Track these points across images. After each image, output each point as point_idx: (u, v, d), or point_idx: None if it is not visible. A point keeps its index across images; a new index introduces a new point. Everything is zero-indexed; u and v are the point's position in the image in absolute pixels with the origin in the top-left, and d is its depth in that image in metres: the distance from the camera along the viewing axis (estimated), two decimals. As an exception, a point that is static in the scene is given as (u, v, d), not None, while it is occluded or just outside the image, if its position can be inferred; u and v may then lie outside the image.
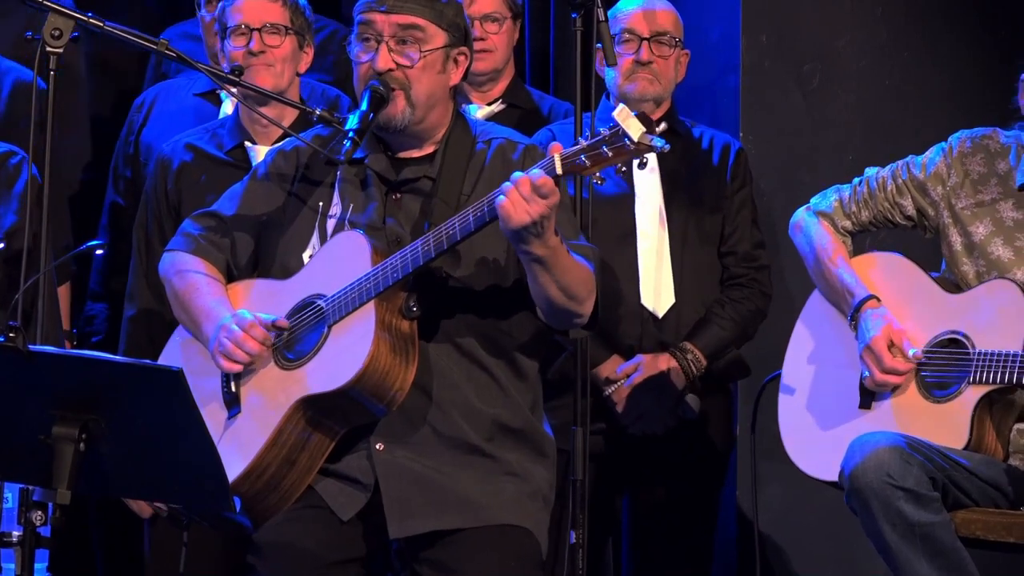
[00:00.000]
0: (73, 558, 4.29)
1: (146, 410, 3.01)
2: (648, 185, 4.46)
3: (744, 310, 4.45)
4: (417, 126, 3.49)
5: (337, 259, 3.45)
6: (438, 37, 3.46)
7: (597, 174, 3.24)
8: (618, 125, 3.16)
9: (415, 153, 3.54)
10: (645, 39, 4.39)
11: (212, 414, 3.46)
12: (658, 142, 3.16)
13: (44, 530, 3.24)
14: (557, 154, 3.23)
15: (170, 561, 4.10)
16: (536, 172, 3.21)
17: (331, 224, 3.52)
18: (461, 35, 3.51)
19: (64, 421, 3.00)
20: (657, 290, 4.40)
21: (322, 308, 3.43)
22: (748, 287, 4.48)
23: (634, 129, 3.14)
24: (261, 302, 3.51)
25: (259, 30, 4.11)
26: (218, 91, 4.54)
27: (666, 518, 4.47)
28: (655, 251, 4.40)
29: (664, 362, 4.36)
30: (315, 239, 3.53)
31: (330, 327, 3.41)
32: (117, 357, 3.17)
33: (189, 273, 3.57)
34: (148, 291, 4.18)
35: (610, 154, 3.18)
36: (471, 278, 3.45)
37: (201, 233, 3.62)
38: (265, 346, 3.43)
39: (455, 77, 3.52)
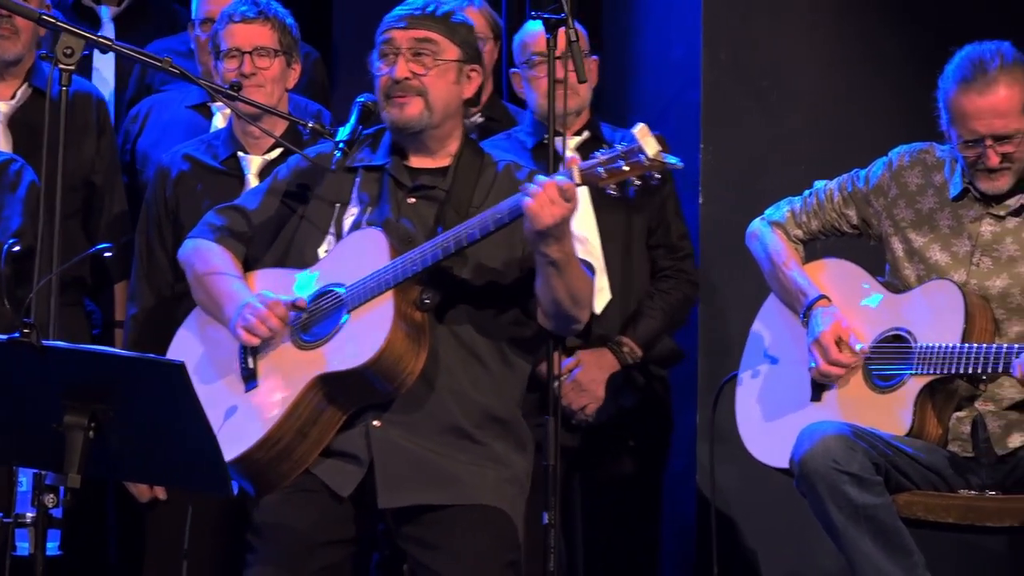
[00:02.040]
0: (84, 538, 4.32)
1: (151, 400, 3.11)
2: (578, 191, 4.62)
3: (672, 299, 4.55)
4: (434, 130, 3.63)
5: (355, 253, 3.58)
6: (451, 51, 3.64)
7: (612, 185, 3.37)
8: (636, 141, 3.30)
9: (429, 163, 3.68)
10: (557, 58, 4.45)
11: (231, 385, 3.58)
12: (671, 159, 3.31)
13: (56, 512, 3.29)
14: (575, 165, 3.38)
15: (171, 541, 4.20)
16: (561, 177, 3.37)
17: (347, 223, 3.66)
18: (474, 53, 3.68)
19: (74, 410, 3.09)
20: (595, 288, 4.52)
21: (341, 295, 3.55)
22: (674, 277, 4.58)
23: (651, 147, 3.29)
24: (277, 289, 3.62)
25: (250, 53, 4.21)
26: (209, 104, 4.64)
27: (613, 499, 4.58)
28: (590, 252, 4.46)
29: (602, 355, 4.47)
30: (331, 236, 3.66)
31: (350, 312, 3.53)
32: (124, 351, 3.29)
33: (211, 259, 3.70)
34: (149, 291, 4.29)
35: (626, 168, 3.33)
36: (475, 278, 3.59)
37: (224, 224, 3.75)
38: (285, 324, 3.55)
39: (468, 91, 3.67)
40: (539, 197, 3.36)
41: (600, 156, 3.36)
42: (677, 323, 4.65)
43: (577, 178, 3.36)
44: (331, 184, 3.72)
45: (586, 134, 4.56)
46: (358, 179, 3.70)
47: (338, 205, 3.69)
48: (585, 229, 4.51)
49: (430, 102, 3.61)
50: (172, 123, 4.72)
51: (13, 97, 4.45)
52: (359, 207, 3.67)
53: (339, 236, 3.66)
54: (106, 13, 5.30)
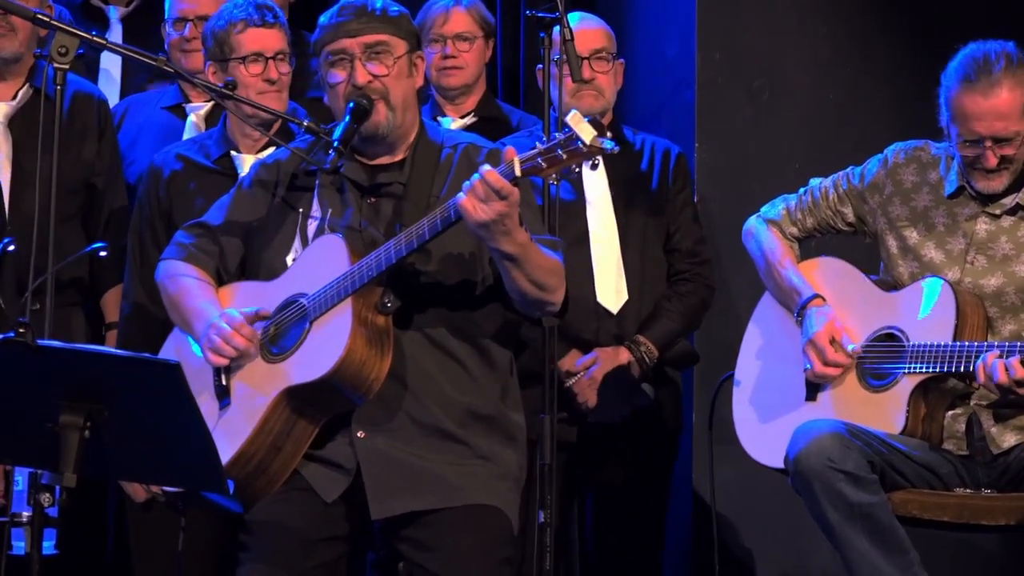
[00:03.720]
0: (80, 537, 4.31)
1: (146, 400, 3.11)
2: (598, 191, 4.59)
3: (690, 303, 4.58)
4: (397, 131, 3.63)
5: (318, 260, 3.57)
6: (400, 46, 3.63)
7: (553, 176, 3.36)
8: (571, 129, 3.28)
9: (387, 160, 3.67)
10: (585, 58, 4.49)
11: (205, 405, 3.55)
12: (608, 144, 3.28)
13: (52, 511, 3.27)
14: (516, 157, 3.35)
15: (162, 543, 4.21)
16: (487, 169, 3.34)
17: (312, 229, 3.65)
18: (415, 40, 3.69)
19: (70, 410, 3.09)
20: (611, 288, 4.53)
21: (304, 305, 3.54)
22: (692, 281, 4.60)
23: (586, 133, 3.26)
24: (248, 302, 3.62)
25: (272, 58, 4.23)
26: (184, 105, 4.68)
27: (624, 497, 4.59)
28: (607, 252, 4.53)
29: (619, 354, 4.50)
30: (297, 243, 3.65)
31: (311, 322, 3.53)
32: (119, 351, 3.26)
33: (181, 278, 3.70)
34: (142, 290, 4.26)
35: (564, 156, 3.29)
36: (442, 274, 3.57)
37: (192, 242, 3.75)
38: (252, 342, 3.55)
39: (419, 79, 3.68)
40: (470, 194, 3.35)
41: (539, 147, 3.33)
42: (694, 326, 4.69)
43: (518, 171, 3.34)
44: (293, 191, 3.72)
45: (608, 135, 4.56)
46: (318, 181, 3.70)
47: (301, 210, 3.69)
48: (604, 231, 4.54)
49: (392, 103, 3.62)
50: (147, 124, 4.73)
51: (14, 98, 4.44)
52: (320, 212, 3.67)
53: (305, 243, 3.65)
54: (114, 13, 5.32)
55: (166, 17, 4.83)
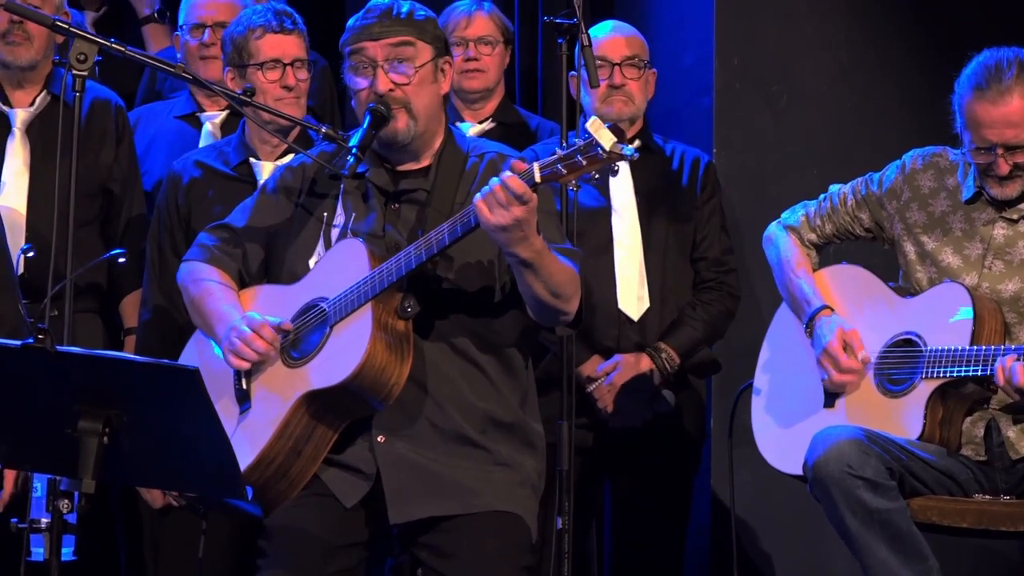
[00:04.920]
0: (98, 544, 4.31)
1: (165, 406, 3.11)
2: (624, 198, 4.61)
3: (714, 311, 4.60)
4: (419, 139, 3.62)
5: (339, 265, 3.56)
6: (425, 51, 3.61)
7: (573, 181, 3.35)
8: (591, 136, 3.26)
9: (412, 166, 3.67)
10: (616, 64, 4.55)
11: (225, 409, 3.56)
12: (628, 150, 3.25)
13: (70, 517, 3.33)
14: (535, 163, 3.33)
15: (183, 548, 4.22)
16: (508, 174, 3.32)
17: (335, 233, 3.64)
18: (443, 45, 3.66)
19: (89, 416, 3.09)
20: (633, 295, 4.55)
21: (324, 310, 3.54)
22: (717, 290, 4.62)
23: (606, 139, 3.24)
24: (269, 305, 3.63)
25: (290, 65, 4.25)
26: (198, 114, 4.69)
27: (644, 503, 4.61)
28: (631, 259, 4.55)
29: (641, 361, 4.52)
30: (320, 247, 3.64)
31: (331, 327, 3.52)
32: (138, 357, 3.26)
33: (204, 281, 3.70)
34: (161, 297, 4.29)
35: (584, 162, 3.27)
36: (463, 280, 3.56)
37: (215, 244, 3.75)
38: (273, 346, 3.55)
39: (445, 85, 3.66)
40: (487, 198, 3.34)
41: (559, 152, 3.32)
42: (717, 335, 4.70)
43: (537, 176, 3.33)
44: (316, 195, 3.71)
45: (637, 142, 4.58)
46: (343, 186, 3.69)
47: (325, 215, 3.68)
48: (628, 237, 4.56)
49: (414, 112, 3.60)
50: (160, 133, 4.75)
51: (32, 104, 4.46)
52: (344, 217, 3.66)
53: (328, 247, 3.65)
54: (85, 20, 5.34)
55: (182, 23, 4.84)
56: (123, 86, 4.99)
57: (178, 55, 4.86)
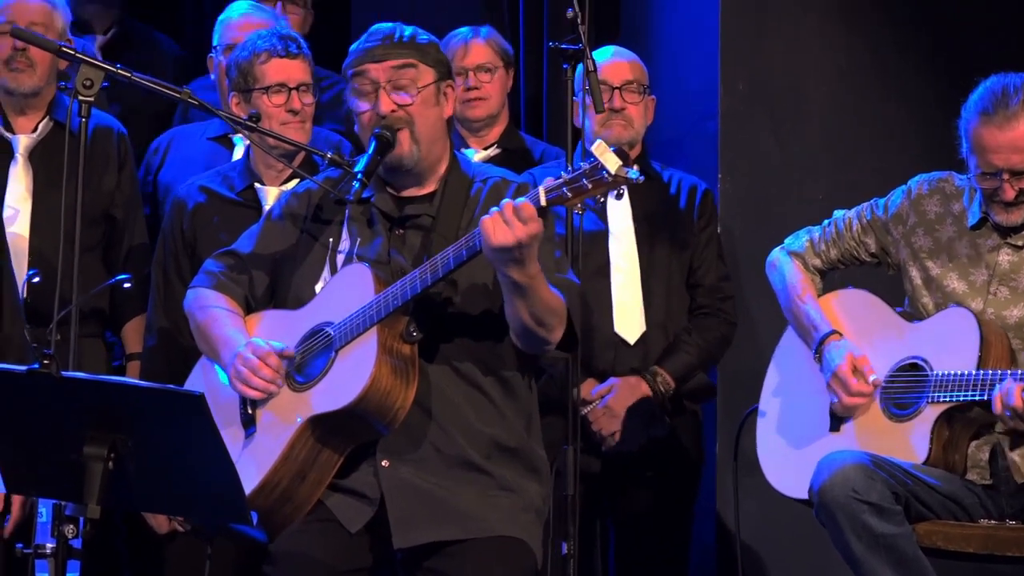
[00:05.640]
0: (102, 569, 4.31)
1: (170, 431, 3.11)
2: (622, 223, 4.62)
3: (710, 337, 4.62)
4: (423, 163, 3.63)
5: (344, 290, 3.58)
6: (427, 74, 3.62)
7: (578, 205, 3.37)
8: (596, 159, 3.27)
9: (417, 192, 3.68)
10: (617, 88, 4.56)
11: (231, 433, 3.56)
12: (633, 174, 3.27)
13: (76, 542, 3.30)
14: (541, 187, 3.34)
15: (188, 573, 4.20)
16: (521, 200, 3.33)
17: (340, 258, 3.65)
18: (445, 69, 3.68)
19: (94, 441, 3.09)
20: (629, 319, 4.56)
21: (330, 335, 3.55)
22: (714, 316, 4.64)
23: (611, 162, 3.25)
24: (275, 331, 3.63)
25: (295, 89, 4.26)
26: (231, 136, 4.67)
27: (645, 527, 4.61)
28: (627, 283, 4.56)
29: (636, 384, 4.53)
30: (326, 272, 3.66)
31: (337, 351, 3.53)
32: (143, 382, 3.25)
33: (210, 307, 3.71)
34: (166, 323, 4.30)
35: (589, 186, 3.28)
36: (468, 304, 3.57)
37: (221, 270, 3.76)
38: (279, 374, 3.55)
39: (448, 109, 3.67)
40: (495, 216, 3.35)
41: (564, 176, 3.33)
42: (712, 361, 4.71)
43: (543, 200, 3.33)
44: (322, 221, 3.73)
45: (636, 168, 4.58)
46: (348, 211, 3.70)
47: (331, 240, 3.69)
48: (625, 262, 4.57)
49: (416, 134, 3.61)
50: (193, 155, 4.74)
51: (35, 131, 4.48)
52: (349, 242, 3.67)
53: (334, 272, 3.66)
54: (92, 44, 5.34)
55: (216, 43, 4.83)
56: (151, 104, 5.02)
57: (211, 76, 4.87)
